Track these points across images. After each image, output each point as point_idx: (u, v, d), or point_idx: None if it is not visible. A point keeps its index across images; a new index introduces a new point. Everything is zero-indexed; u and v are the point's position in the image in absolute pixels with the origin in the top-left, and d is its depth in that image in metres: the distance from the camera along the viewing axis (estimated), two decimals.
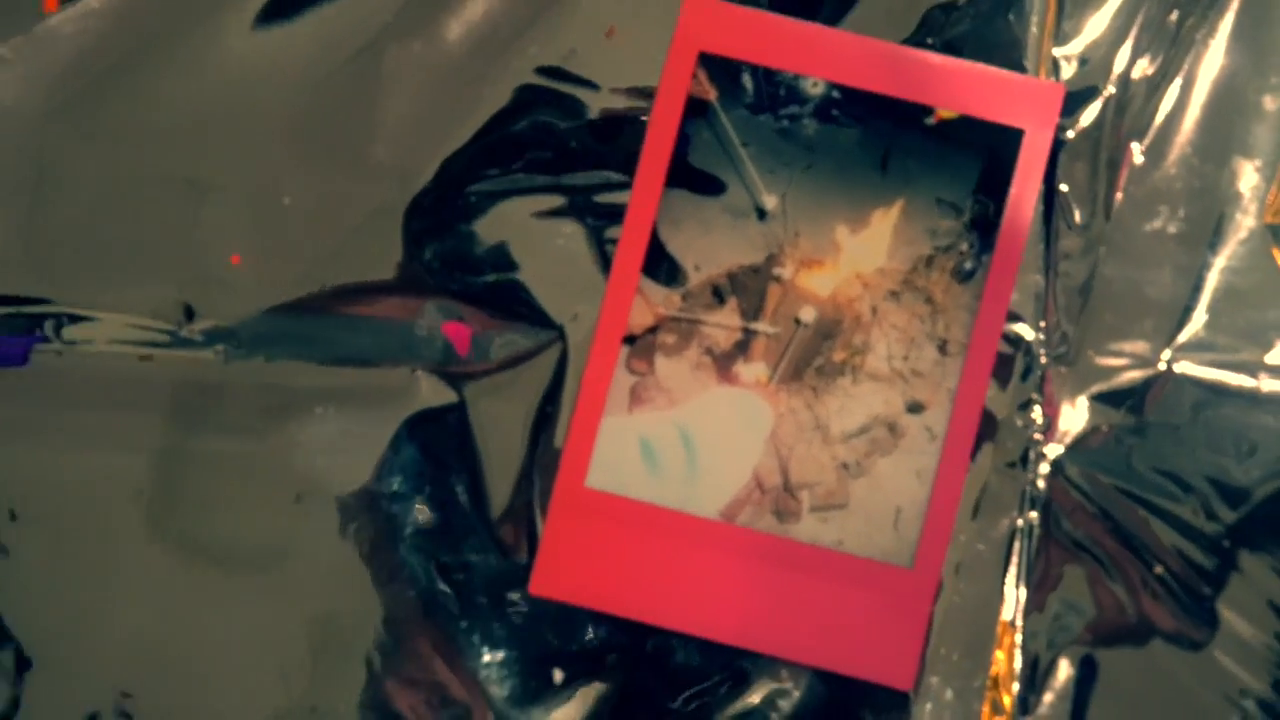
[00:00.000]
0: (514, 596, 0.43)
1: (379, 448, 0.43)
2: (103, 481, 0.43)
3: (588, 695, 0.43)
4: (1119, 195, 0.43)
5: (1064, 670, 0.42)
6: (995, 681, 0.42)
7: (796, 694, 0.43)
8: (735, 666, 0.43)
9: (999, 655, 0.42)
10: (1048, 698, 0.42)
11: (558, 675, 0.43)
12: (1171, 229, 0.43)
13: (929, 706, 0.42)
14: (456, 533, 0.43)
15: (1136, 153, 0.43)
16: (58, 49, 0.44)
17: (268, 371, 0.43)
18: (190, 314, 0.44)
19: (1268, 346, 0.42)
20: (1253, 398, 0.42)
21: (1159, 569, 0.42)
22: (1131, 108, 0.43)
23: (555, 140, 0.44)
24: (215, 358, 0.43)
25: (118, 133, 0.44)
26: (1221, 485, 0.42)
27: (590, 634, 0.43)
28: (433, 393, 0.44)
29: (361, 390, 0.44)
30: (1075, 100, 0.43)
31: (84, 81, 0.44)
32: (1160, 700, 0.42)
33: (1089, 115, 0.43)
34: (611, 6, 0.44)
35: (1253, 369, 0.42)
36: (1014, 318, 0.43)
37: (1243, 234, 0.42)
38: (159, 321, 0.43)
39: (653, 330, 0.43)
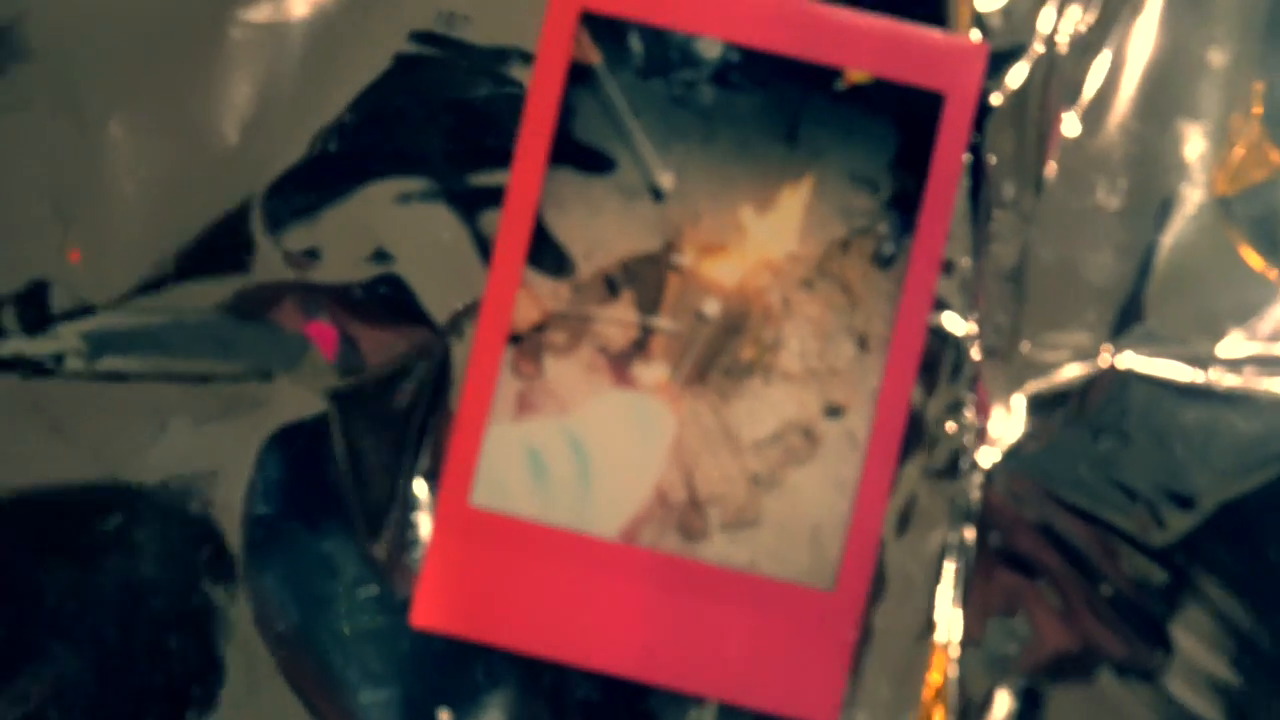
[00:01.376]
0: (395, 629, 0.38)
1: (241, 466, 0.39)
2: None
3: None
4: (1051, 166, 0.38)
5: (1003, 703, 0.38)
6: (927, 716, 0.38)
7: None
8: (640, 706, 0.38)
9: (931, 685, 0.38)
10: None
11: (444, 716, 0.39)
12: (1112, 204, 0.38)
13: None
14: (331, 560, 0.39)
15: (1069, 119, 0.38)
16: None
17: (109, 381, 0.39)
18: (22, 314, 0.39)
19: (1220, 336, 0.38)
20: (1204, 394, 0.37)
21: (1105, 589, 0.38)
22: (1062, 68, 0.38)
23: (427, 116, 0.39)
24: (49, 364, 0.39)
25: None
26: (1172, 493, 0.38)
27: (480, 670, 0.39)
28: (297, 403, 0.39)
29: (216, 402, 0.39)
30: (1000, 60, 0.39)
31: None
32: None
33: (1016, 77, 0.39)
34: None
35: (1204, 362, 0.38)
36: (941, 308, 0.38)
37: (1190, 208, 0.38)
38: None
39: (540, 328, 0.38)
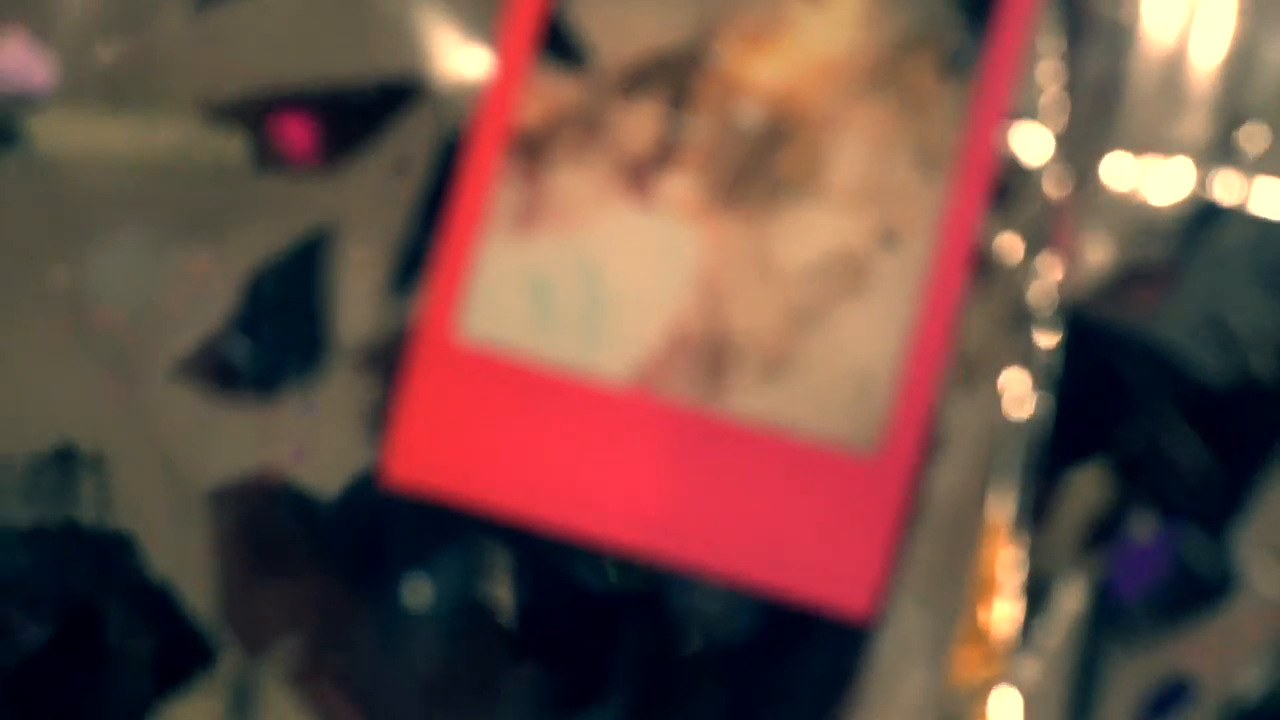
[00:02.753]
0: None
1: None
2: None
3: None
4: None
5: (1074, 589, 0.33)
6: (985, 602, 0.32)
7: (722, 620, 0.33)
8: (646, 585, 0.33)
9: (990, 566, 0.32)
10: (1052, 627, 0.33)
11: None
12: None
13: (892, 634, 0.33)
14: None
15: None
16: None
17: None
18: None
19: None
20: None
21: (1190, 459, 0.32)
22: None
23: None
24: None
25: None
26: None
27: (462, 533, 0.33)
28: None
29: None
30: None
31: None
32: None
33: None
34: None
35: None
36: (1016, 123, 0.33)
37: None
38: None
39: (549, 129, 0.33)
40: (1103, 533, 0.32)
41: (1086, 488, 0.33)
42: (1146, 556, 0.32)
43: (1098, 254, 0.33)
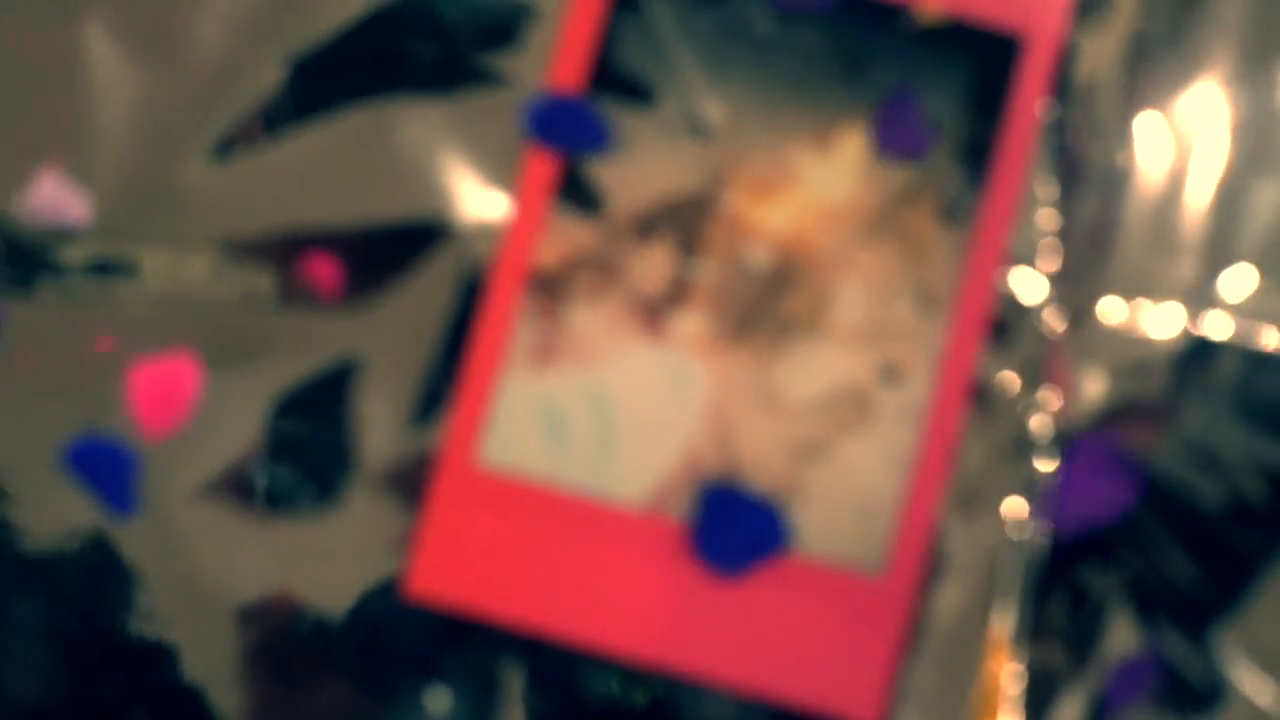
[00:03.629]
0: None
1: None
2: None
3: None
4: (1145, 110, 0.35)
5: (1071, 705, 0.33)
6: (985, 716, 0.33)
7: None
8: (660, 696, 0.34)
9: (989, 681, 0.33)
10: None
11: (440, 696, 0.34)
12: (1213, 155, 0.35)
13: None
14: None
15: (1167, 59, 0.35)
16: None
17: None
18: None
19: None
20: None
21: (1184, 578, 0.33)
22: (1161, 13, 0.35)
23: (442, 39, 0.36)
24: None
25: None
26: (1269, 473, 0.33)
27: (477, 647, 0.34)
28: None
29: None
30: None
31: None
32: None
33: (1108, 19, 0.35)
34: None
35: None
36: (1013, 265, 0.35)
37: None
38: None
39: (565, 271, 0.34)
40: (1099, 647, 0.33)
41: (1083, 605, 0.34)
42: (1140, 669, 0.33)
43: (1093, 387, 0.34)
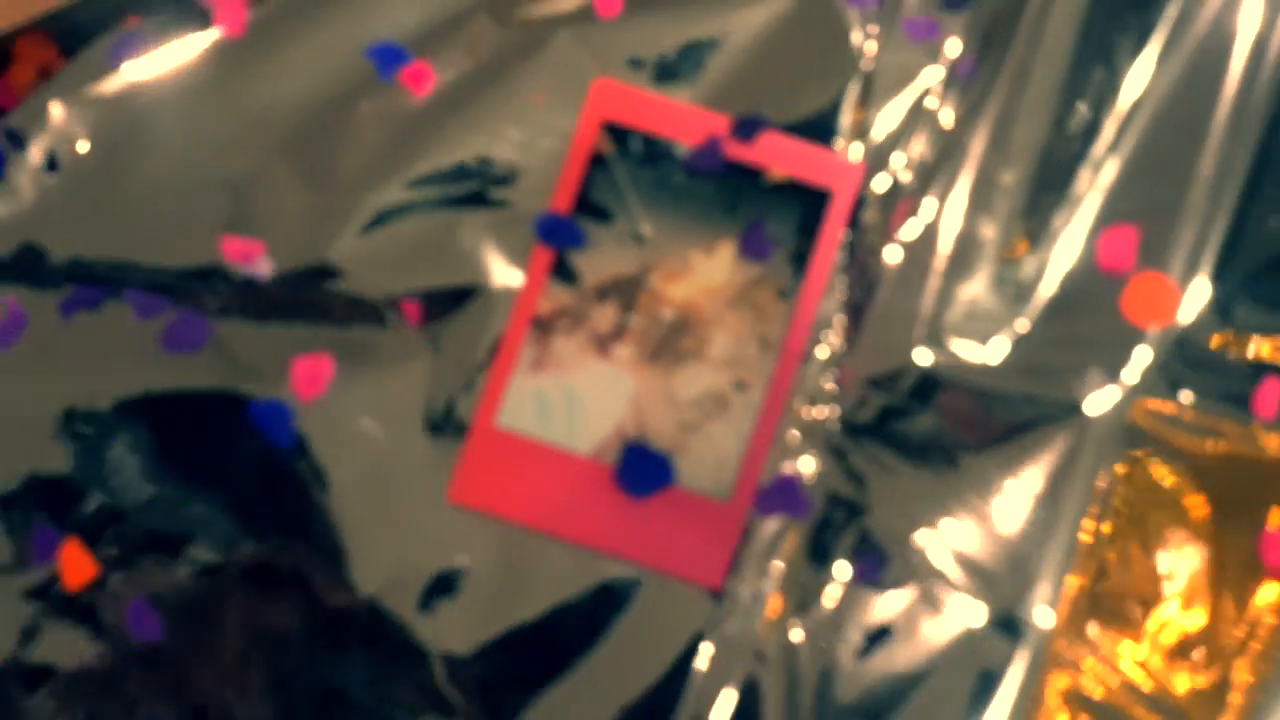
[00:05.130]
0: None
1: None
2: None
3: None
4: (891, 249, 0.59)
5: (837, 579, 0.57)
6: (779, 590, 0.57)
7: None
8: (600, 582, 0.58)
9: (779, 568, 0.57)
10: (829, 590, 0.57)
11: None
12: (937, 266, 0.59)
13: (732, 601, 0.56)
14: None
15: (911, 224, 0.59)
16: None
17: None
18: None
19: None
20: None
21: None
22: (910, 184, 0.59)
23: (497, 180, 0.60)
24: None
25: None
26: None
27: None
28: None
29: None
30: (873, 171, 0.59)
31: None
32: None
33: (881, 185, 0.59)
34: (543, 84, 0.60)
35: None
36: (820, 326, 0.58)
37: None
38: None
39: (554, 317, 0.59)
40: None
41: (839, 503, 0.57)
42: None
43: (859, 391, 0.58)
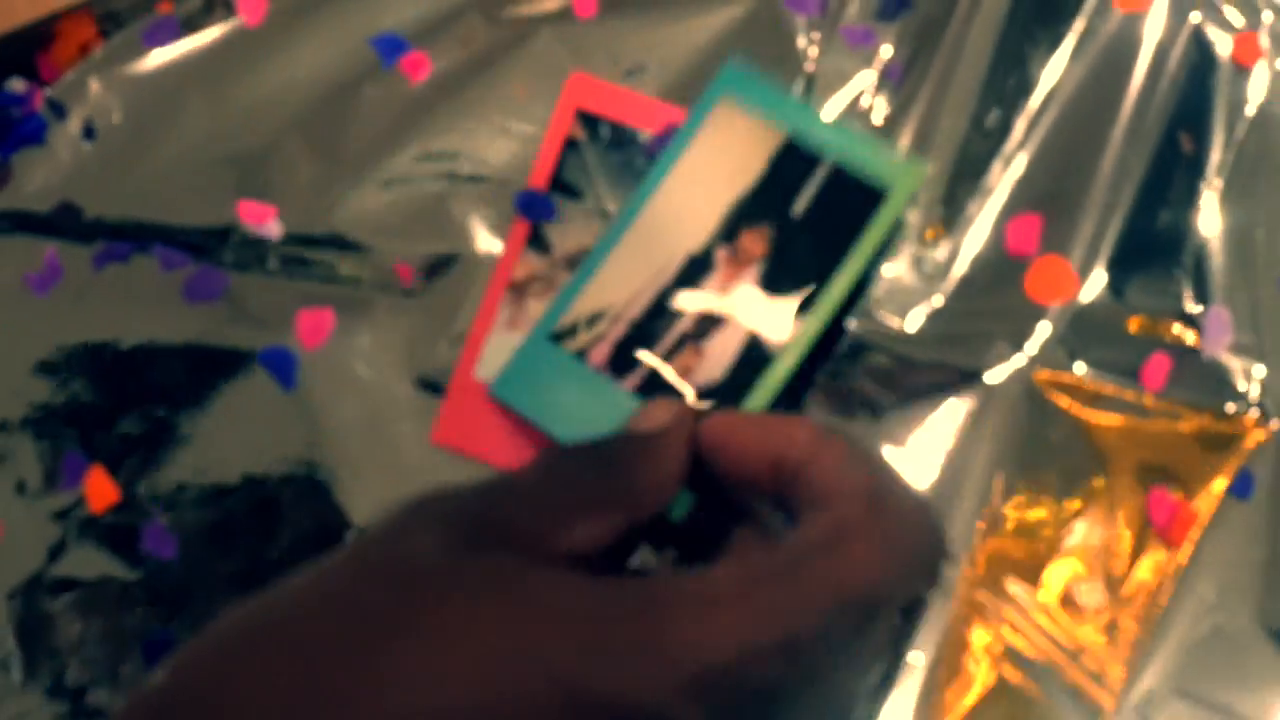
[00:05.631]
0: None
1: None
2: None
3: None
4: None
5: None
6: None
7: None
8: None
9: None
10: None
11: None
12: None
13: None
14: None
15: None
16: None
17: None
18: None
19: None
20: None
21: None
22: None
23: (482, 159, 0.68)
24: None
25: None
26: None
27: None
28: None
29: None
30: None
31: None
32: None
33: None
34: (526, 76, 0.68)
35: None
36: None
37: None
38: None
39: (528, 281, 0.67)
40: None
41: None
42: None
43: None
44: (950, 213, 0.67)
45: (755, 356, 0.63)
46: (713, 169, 0.64)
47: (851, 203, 0.63)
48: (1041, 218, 0.66)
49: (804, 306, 0.62)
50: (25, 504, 0.65)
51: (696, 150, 0.64)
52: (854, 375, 0.65)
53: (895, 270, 0.66)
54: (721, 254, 0.63)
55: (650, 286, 0.64)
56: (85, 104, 0.68)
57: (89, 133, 0.68)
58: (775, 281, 0.63)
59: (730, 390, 0.63)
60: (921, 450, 0.65)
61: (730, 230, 0.64)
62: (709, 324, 0.63)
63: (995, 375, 0.65)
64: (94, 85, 0.68)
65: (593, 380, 0.63)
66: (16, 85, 0.69)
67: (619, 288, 0.64)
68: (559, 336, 0.64)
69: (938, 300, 0.66)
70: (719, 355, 0.63)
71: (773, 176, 0.64)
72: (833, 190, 0.63)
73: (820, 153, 0.63)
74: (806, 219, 0.63)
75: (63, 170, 0.68)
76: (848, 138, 0.63)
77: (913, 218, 0.67)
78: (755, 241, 0.64)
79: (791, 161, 0.64)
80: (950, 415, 0.65)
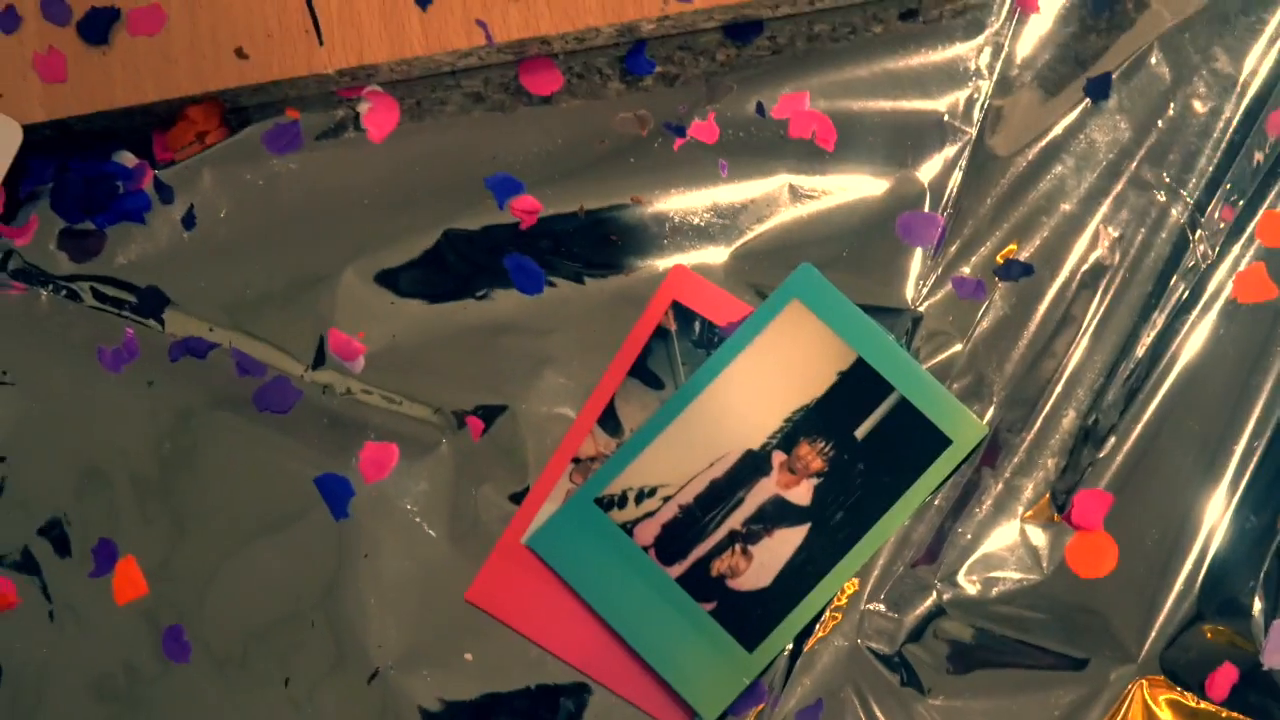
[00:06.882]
0: None
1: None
2: None
3: None
4: None
5: None
6: None
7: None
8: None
9: None
10: None
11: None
12: None
13: None
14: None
15: None
16: None
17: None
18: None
19: None
20: None
21: None
22: None
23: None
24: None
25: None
26: None
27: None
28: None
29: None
30: None
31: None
32: None
33: None
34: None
35: None
36: None
37: None
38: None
39: (593, 459, 0.67)
40: None
41: None
42: None
43: None
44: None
45: (801, 574, 0.64)
46: (779, 368, 0.66)
47: (915, 440, 0.65)
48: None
49: (853, 535, 0.64)
50: None
51: (763, 345, 0.66)
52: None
53: None
54: (779, 458, 0.65)
55: (705, 474, 0.65)
56: (193, 193, 0.69)
57: (189, 222, 0.68)
58: (827, 501, 0.64)
59: (772, 601, 0.64)
60: None
61: (791, 435, 0.65)
62: (760, 529, 0.64)
63: None
64: (207, 177, 0.69)
65: (638, 558, 0.64)
66: (126, 159, 0.69)
67: (672, 466, 0.65)
68: (605, 502, 0.65)
69: None
70: (766, 564, 0.64)
71: (840, 392, 0.65)
72: (898, 422, 0.65)
73: (890, 381, 0.65)
74: (868, 444, 0.65)
75: (157, 253, 0.68)
76: (918, 374, 0.65)
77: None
78: (814, 455, 0.65)
79: (861, 382, 0.65)
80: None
